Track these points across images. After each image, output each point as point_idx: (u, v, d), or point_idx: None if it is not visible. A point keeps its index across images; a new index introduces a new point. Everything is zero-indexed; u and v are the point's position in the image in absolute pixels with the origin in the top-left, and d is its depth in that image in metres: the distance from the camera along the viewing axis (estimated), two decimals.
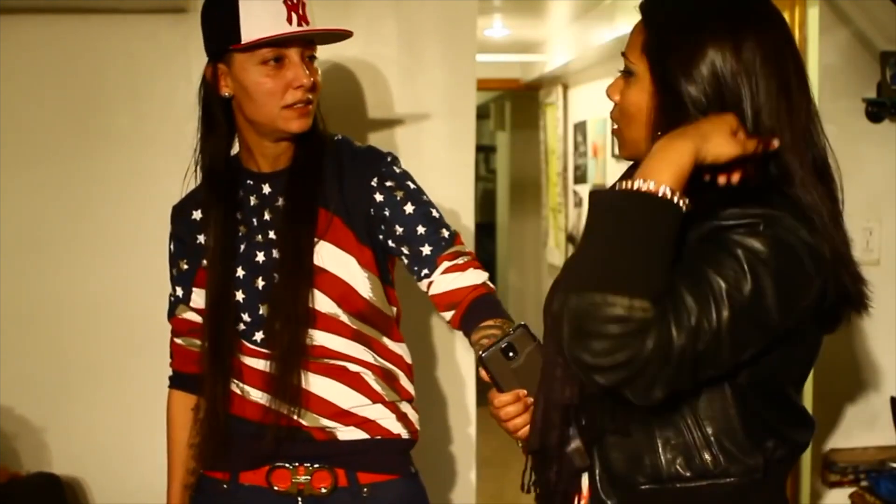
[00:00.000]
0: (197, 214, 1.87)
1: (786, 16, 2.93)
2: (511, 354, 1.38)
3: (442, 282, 1.75)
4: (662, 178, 1.19)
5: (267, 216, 1.79)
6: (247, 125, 1.79)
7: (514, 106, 7.88)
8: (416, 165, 2.48)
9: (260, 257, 1.79)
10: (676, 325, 1.16)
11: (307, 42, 1.75)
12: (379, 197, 1.79)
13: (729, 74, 1.26)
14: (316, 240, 1.75)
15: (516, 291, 7.48)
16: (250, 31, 1.68)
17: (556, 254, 6.24)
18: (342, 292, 1.76)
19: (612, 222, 1.20)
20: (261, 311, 1.77)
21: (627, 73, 1.40)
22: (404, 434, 1.83)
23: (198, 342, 1.88)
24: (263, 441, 1.77)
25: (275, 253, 1.77)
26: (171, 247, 1.93)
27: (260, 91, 1.72)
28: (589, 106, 5.56)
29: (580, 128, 5.75)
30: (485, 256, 4.74)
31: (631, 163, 1.48)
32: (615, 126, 1.45)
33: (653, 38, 1.33)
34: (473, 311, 1.73)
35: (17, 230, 2.57)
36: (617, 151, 1.68)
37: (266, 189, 1.81)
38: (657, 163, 1.20)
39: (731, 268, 1.20)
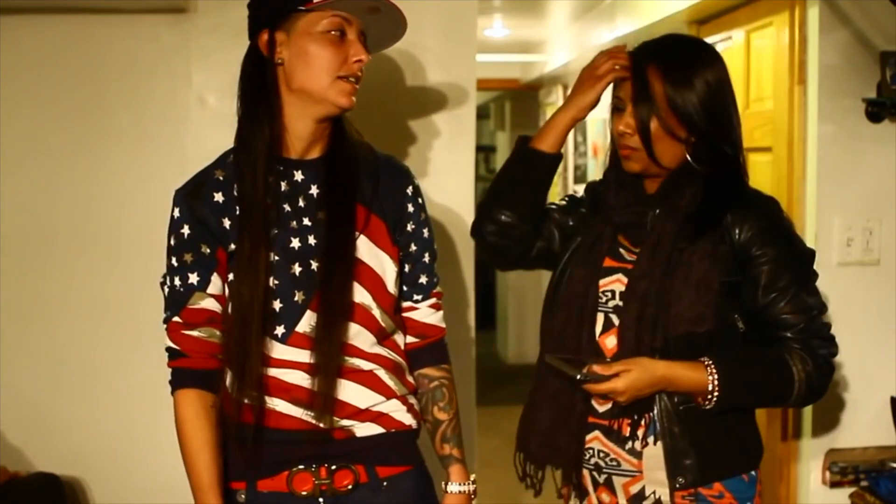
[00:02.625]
0: (219, 196, 1.77)
1: (786, 16, 2.93)
2: (578, 377, 1.74)
3: (424, 313, 1.89)
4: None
5: (301, 203, 1.77)
6: (291, 98, 1.75)
7: (514, 106, 7.88)
8: (417, 165, 2.49)
9: (295, 243, 1.75)
10: None
11: (370, 9, 1.75)
12: (410, 208, 1.86)
13: (714, 89, 1.82)
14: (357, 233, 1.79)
15: (516, 291, 7.47)
16: None
17: None
18: (376, 286, 1.79)
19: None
20: (296, 298, 1.74)
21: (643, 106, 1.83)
22: (414, 424, 1.85)
23: (219, 332, 1.78)
24: (283, 447, 1.74)
25: (311, 240, 1.75)
26: (185, 231, 1.78)
27: (320, 58, 1.71)
28: None
29: (580, 128, 5.75)
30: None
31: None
32: (633, 149, 1.85)
33: (667, 75, 1.81)
34: (436, 348, 1.91)
35: (16, 230, 2.57)
36: (623, 167, 1.92)
37: (298, 176, 1.78)
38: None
39: None
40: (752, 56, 3.23)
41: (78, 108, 2.57)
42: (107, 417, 2.62)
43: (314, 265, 1.74)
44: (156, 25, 2.55)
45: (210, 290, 1.78)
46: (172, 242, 1.80)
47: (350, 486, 1.76)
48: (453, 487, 1.85)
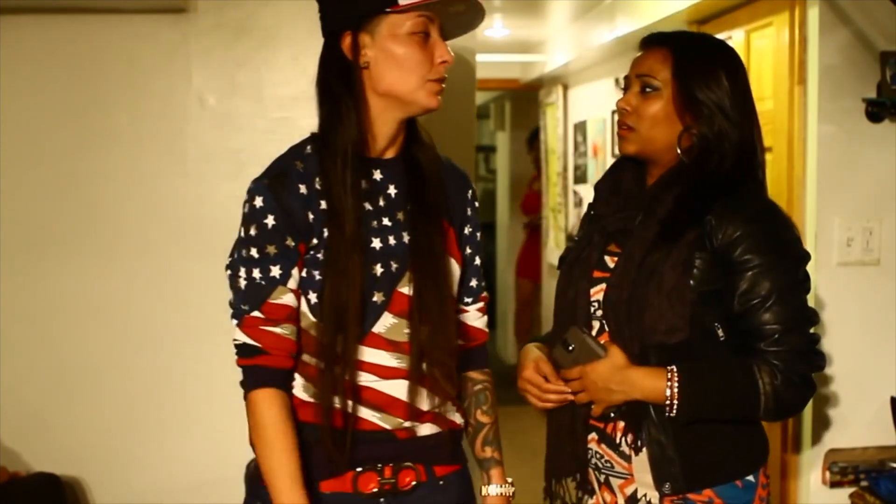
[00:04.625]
0: (303, 188, 1.71)
1: (786, 16, 2.93)
2: (570, 347, 1.79)
3: (473, 316, 1.89)
4: None
5: (381, 202, 1.74)
6: (375, 100, 1.72)
7: (514, 106, 7.88)
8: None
9: (376, 243, 1.72)
10: None
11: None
12: (469, 212, 1.87)
13: (730, 88, 1.81)
14: None
15: (517, 292, 7.48)
16: None
17: (557, 254, 6.23)
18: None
19: None
20: (375, 299, 1.70)
21: (651, 89, 1.82)
22: (463, 424, 1.86)
23: (296, 330, 1.72)
24: (328, 447, 1.70)
25: (391, 240, 1.72)
26: (270, 221, 1.70)
27: (410, 61, 1.69)
28: (589, 106, 5.56)
29: (580, 128, 5.75)
30: (484, 256, 4.73)
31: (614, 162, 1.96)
32: (629, 128, 1.84)
33: (684, 65, 1.81)
34: (481, 352, 1.92)
35: (17, 230, 2.57)
36: (619, 149, 1.90)
37: (377, 175, 1.75)
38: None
39: None
40: (752, 56, 3.23)
41: (78, 108, 2.57)
42: (107, 417, 2.62)
43: (394, 266, 1.72)
44: (156, 25, 2.55)
45: (290, 284, 1.70)
46: (253, 232, 1.70)
47: (413, 485, 1.75)
48: (494, 489, 1.85)
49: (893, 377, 2.82)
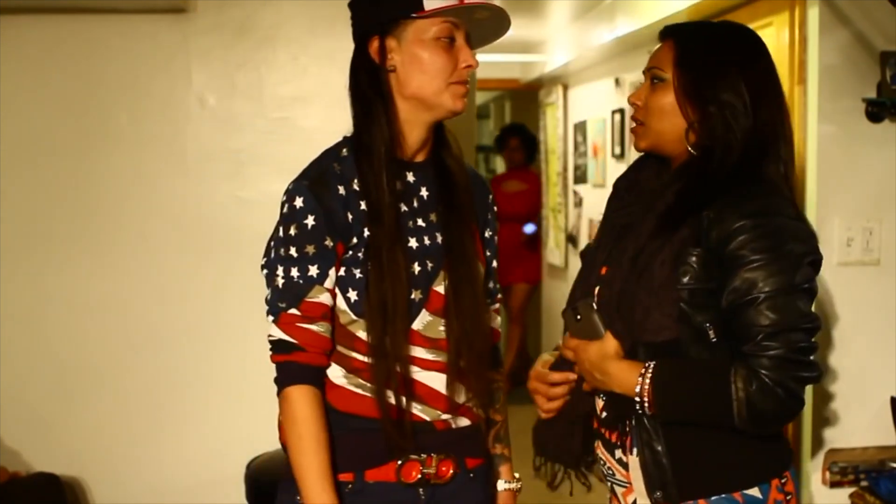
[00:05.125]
0: (342, 190, 1.75)
1: (786, 16, 2.93)
2: (578, 317, 1.77)
3: (489, 316, 1.92)
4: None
5: (415, 204, 1.79)
6: (403, 103, 1.76)
7: (514, 106, 7.88)
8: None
9: (412, 243, 1.77)
10: None
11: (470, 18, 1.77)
12: (490, 217, 1.93)
13: (741, 79, 1.72)
14: None
15: None
16: (431, 1, 1.72)
17: (556, 254, 6.24)
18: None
19: None
20: (413, 297, 1.75)
21: (658, 80, 1.77)
22: (485, 417, 1.90)
23: (331, 328, 1.75)
24: (393, 437, 1.74)
25: (426, 240, 1.78)
26: (310, 221, 1.73)
27: (435, 64, 1.73)
28: (589, 106, 5.56)
29: (580, 128, 5.75)
30: None
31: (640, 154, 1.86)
32: (639, 123, 1.80)
33: (686, 55, 1.75)
34: (495, 352, 1.95)
35: (17, 230, 2.57)
36: (634, 145, 1.85)
37: (410, 177, 1.80)
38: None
39: None
40: None
41: (78, 108, 2.57)
42: (107, 417, 2.62)
43: (430, 265, 1.77)
44: (156, 25, 2.55)
45: (327, 284, 1.74)
46: (293, 232, 1.74)
47: (451, 475, 1.80)
48: (504, 485, 1.92)
49: (893, 377, 2.82)
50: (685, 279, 1.64)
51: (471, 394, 1.83)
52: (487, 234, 1.93)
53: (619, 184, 1.92)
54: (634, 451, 1.73)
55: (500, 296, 1.97)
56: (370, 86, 1.76)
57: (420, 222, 1.79)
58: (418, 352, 1.77)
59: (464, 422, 1.83)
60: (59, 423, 2.61)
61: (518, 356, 6.56)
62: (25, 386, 2.59)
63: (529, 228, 6.64)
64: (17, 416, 2.58)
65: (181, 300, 2.68)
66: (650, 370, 1.65)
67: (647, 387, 1.65)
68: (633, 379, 1.66)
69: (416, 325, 1.77)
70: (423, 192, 1.81)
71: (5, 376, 2.57)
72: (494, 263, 1.95)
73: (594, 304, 1.76)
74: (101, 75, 2.56)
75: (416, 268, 1.77)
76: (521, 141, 6.67)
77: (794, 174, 1.78)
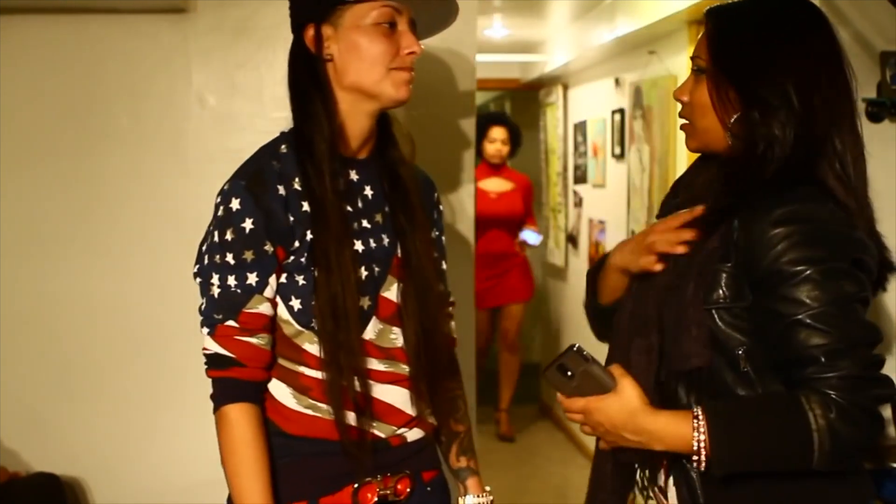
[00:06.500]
0: (282, 189, 1.62)
1: None
2: (569, 374, 1.45)
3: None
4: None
5: (360, 204, 1.68)
6: (343, 94, 1.66)
7: (514, 106, 7.88)
8: (416, 165, 2.48)
9: (358, 246, 1.65)
10: None
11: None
12: (436, 216, 1.85)
13: (790, 66, 1.47)
14: None
15: None
16: None
17: (556, 253, 6.24)
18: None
19: None
20: (362, 304, 1.64)
21: (700, 71, 1.54)
22: (436, 425, 1.81)
23: (272, 340, 1.65)
24: (349, 459, 1.63)
25: (371, 243, 1.67)
26: (248, 224, 1.60)
27: (373, 51, 1.62)
28: (589, 106, 5.55)
29: (580, 128, 5.75)
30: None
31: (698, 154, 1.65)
32: (685, 122, 1.59)
33: (719, 37, 1.52)
34: (451, 359, 1.86)
35: (17, 230, 2.57)
36: (685, 144, 1.64)
37: (353, 176, 1.69)
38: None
39: None
40: None
41: (78, 108, 2.57)
42: (107, 417, 2.62)
43: (377, 270, 1.66)
44: (156, 25, 2.55)
45: (266, 293, 1.62)
46: (229, 237, 1.61)
47: (409, 492, 1.71)
48: (472, 500, 1.80)
49: (893, 377, 2.82)
50: (715, 297, 1.44)
51: (430, 406, 1.73)
52: (434, 234, 1.82)
53: (677, 183, 1.71)
54: (665, 488, 1.53)
55: (451, 298, 1.87)
56: (307, 78, 1.65)
57: (365, 224, 1.67)
58: (372, 363, 1.65)
59: (417, 434, 1.73)
60: (59, 423, 2.61)
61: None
62: (25, 386, 2.59)
63: (532, 238, 5.67)
64: (17, 416, 2.58)
65: (181, 300, 2.67)
66: (702, 416, 1.38)
67: (701, 438, 1.37)
68: (686, 432, 1.39)
69: (368, 334, 1.64)
70: (368, 192, 1.69)
71: (5, 376, 2.57)
72: (444, 265, 1.85)
73: (584, 352, 1.45)
74: (101, 75, 2.56)
75: (363, 273, 1.64)
76: (509, 132, 5.73)
77: (861, 163, 1.61)
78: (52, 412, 2.61)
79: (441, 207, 1.87)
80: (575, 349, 1.45)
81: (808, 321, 1.37)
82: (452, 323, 1.87)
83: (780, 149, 1.46)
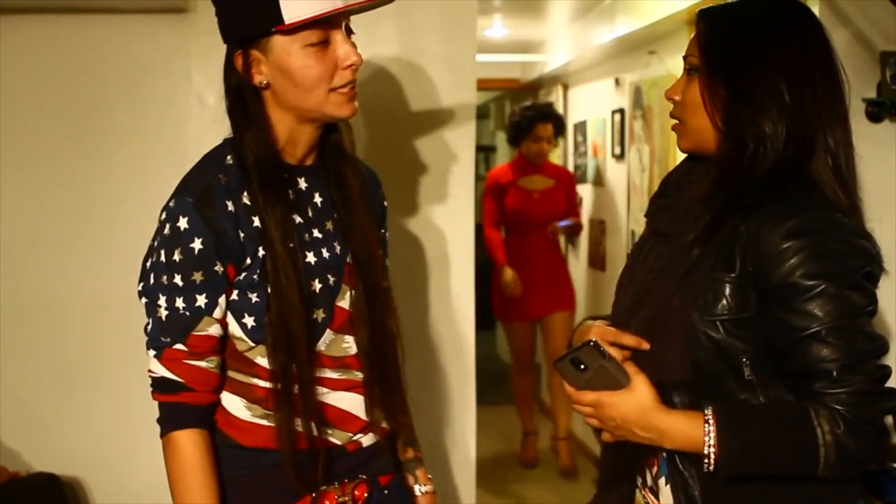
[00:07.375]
0: (231, 205, 1.56)
1: None
2: (582, 367, 1.47)
3: None
4: None
5: (310, 213, 1.63)
6: (284, 115, 1.59)
7: (515, 106, 7.88)
8: (416, 165, 2.49)
9: (310, 258, 1.61)
10: None
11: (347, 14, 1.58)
12: (381, 213, 1.82)
13: (780, 67, 1.47)
14: None
15: None
16: (292, 10, 1.49)
17: None
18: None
19: None
20: (315, 316, 1.61)
21: (693, 70, 1.53)
22: (390, 429, 1.79)
23: (221, 362, 1.60)
24: (306, 469, 1.60)
25: (324, 253, 1.63)
26: (197, 245, 1.54)
27: (308, 77, 1.54)
28: (589, 106, 5.56)
29: (580, 128, 5.75)
30: (485, 256, 4.70)
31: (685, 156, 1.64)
32: (677, 121, 1.58)
33: (710, 35, 1.51)
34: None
35: (17, 230, 2.57)
36: (677, 144, 1.62)
37: (302, 184, 1.64)
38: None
39: None
40: None
41: (78, 108, 2.57)
42: (107, 417, 2.62)
43: (332, 280, 1.63)
44: (156, 25, 2.55)
45: (216, 314, 1.57)
46: (177, 258, 1.55)
47: (366, 498, 1.70)
48: (423, 488, 1.83)
49: (893, 377, 2.82)
50: (719, 309, 1.43)
51: (384, 411, 1.71)
52: (381, 232, 1.79)
53: (665, 183, 1.68)
54: (657, 483, 1.53)
55: (392, 295, 1.80)
56: (241, 100, 1.58)
57: (316, 233, 1.62)
58: (325, 373, 1.63)
59: (371, 439, 1.71)
60: (59, 423, 2.61)
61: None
62: (25, 386, 2.59)
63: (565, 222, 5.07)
64: (17, 416, 2.58)
65: None
66: (713, 417, 1.40)
67: (713, 440, 1.40)
68: (697, 433, 1.41)
69: (321, 345, 1.61)
70: (317, 199, 1.64)
71: (5, 376, 2.57)
72: (387, 262, 1.81)
73: (601, 348, 1.46)
74: (101, 75, 2.56)
75: (318, 285, 1.60)
76: (555, 126, 4.98)
77: (852, 161, 1.59)
78: (52, 412, 2.61)
79: (385, 203, 1.83)
80: (592, 344, 1.46)
81: (821, 335, 1.39)
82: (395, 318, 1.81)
83: (772, 147, 1.46)
